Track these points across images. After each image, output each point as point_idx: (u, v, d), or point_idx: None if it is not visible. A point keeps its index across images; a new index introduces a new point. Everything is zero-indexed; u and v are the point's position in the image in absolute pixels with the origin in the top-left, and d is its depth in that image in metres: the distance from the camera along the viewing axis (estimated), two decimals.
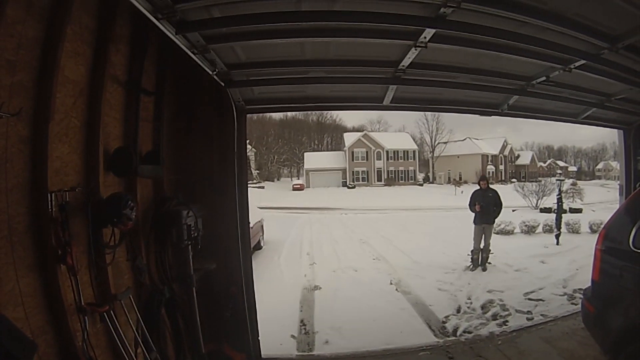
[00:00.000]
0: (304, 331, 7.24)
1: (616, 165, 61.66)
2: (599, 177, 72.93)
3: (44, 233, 3.01)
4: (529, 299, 8.33)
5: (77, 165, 3.42)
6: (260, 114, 73.94)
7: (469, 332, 6.90)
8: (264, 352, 5.78)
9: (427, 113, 73.73)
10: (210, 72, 4.73)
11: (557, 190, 17.84)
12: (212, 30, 3.96)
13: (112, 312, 3.53)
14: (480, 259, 11.54)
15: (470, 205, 11.77)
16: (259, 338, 5.76)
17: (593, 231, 16.20)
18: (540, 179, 45.86)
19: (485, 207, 11.39)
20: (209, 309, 5.31)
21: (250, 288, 5.71)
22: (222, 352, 5.27)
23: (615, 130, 8.28)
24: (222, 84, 5.15)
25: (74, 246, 3.11)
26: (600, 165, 78.96)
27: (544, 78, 5.60)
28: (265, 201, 33.09)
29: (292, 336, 6.95)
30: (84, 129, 3.51)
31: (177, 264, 4.83)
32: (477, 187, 12.38)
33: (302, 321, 7.72)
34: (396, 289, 9.93)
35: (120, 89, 4.07)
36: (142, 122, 4.32)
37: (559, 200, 16.16)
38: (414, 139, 76.59)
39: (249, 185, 5.92)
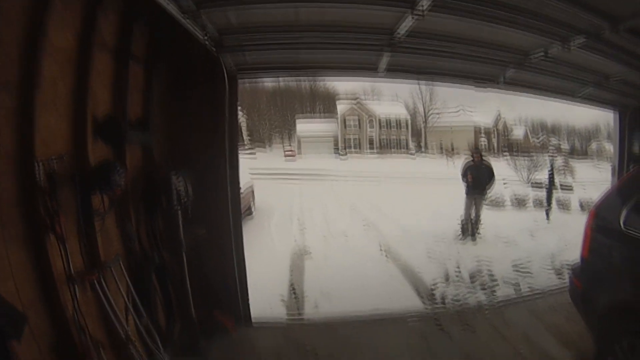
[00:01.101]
0: (293, 295, 7.36)
1: (609, 147, 61.76)
2: (591, 157, 73.00)
3: (33, 204, 2.98)
4: (517, 271, 8.43)
5: (65, 134, 3.38)
6: (253, 82, 73.22)
7: (457, 301, 7.02)
8: (253, 316, 5.87)
9: (421, 82, 73.22)
10: (202, 38, 4.67)
11: (548, 166, 17.92)
12: None
13: (102, 279, 3.54)
14: (470, 229, 11.65)
15: (462, 175, 11.81)
16: (249, 303, 5.85)
17: (583, 209, 16.30)
18: (532, 154, 45.86)
19: (477, 179, 11.43)
20: (199, 274, 5.37)
21: (240, 253, 5.77)
22: (212, 318, 5.34)
23: (611, 112, 8.32)
24: (214, 49, 5.08)
25: (63, 215, 3.10)
26: (592, 145, 78.95)
27: (542, 53, 5.55)
28: (256, 167, 32.93)
29: (282, 300, 7.07)
30: (72, 97, 3.46)
31: (167, 230, 4.87)
32: (469, 158, 12.41)
33: (291, 285, 7.84)
34: (386, 256, 10.10)
35: (109, 56, 4.00)
36: (131, 89, 4.27)
37: (551, 177, 16.27)
38: (406, 108, 75.98)
39: (240, 151, 5.90)
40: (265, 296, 6.72)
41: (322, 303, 6.86)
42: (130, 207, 4.31)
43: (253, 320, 5.86)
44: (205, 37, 4.69)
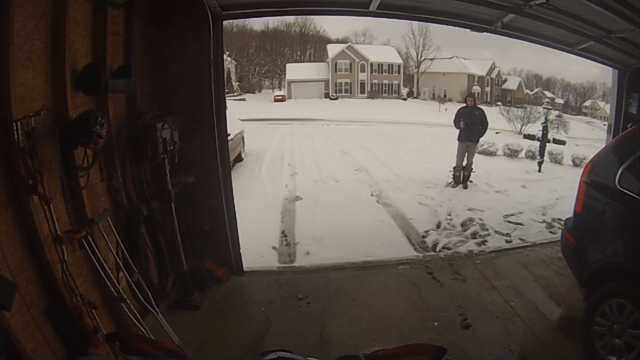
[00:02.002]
0: (285, 242, 7.39)
1: (604, 105, 61.43)
2: (585, 114, 72.66)
3: (13, 165, 2.86)
4: (509, 222, 8.47)
5: (43, 89, 3.20)
6: (241, 25, 71.44)
7: (448, 249, 7.08)
8: (245, 265, 5.89)
9: (414, 27, 71.85)
10: None
11: (542, 118, 17.79)
12: None
13: (90, 237, 3.45)
14: (462, 176, 11.61)
15: (455, 121, 11.64)
16: (240, 251, 5.84)
17: (575, 164, 16.26)
18: (526, 105, 45.70)
19: (471, 125, 11.27)
20: (189, 224, 5.32)
21: (230, 201, 5.69)
22: (203, 268, 5.35)
23: (607, 71, 8.12)
24: None
25: (45, 173, 2.97)
26: (587, 103, 78.48)
27: (544, 0, 5.34)
28: (246, 113, 32.62)
29: (274, 248, 7.09)
30: (49, 51, 3.25)
31: (155, 180, 4.78)
32: (462, 105, 12.23)
33: (283, 232, 7.85)
34: (377, 201, 10.12)
35: (87, 3, 3.74)
36: (111, 36, 4.03)
37: (544, 129, 16.08)
38: (399, 53, 74.99)
39: (229, 97, 5.73)
40: (257, 243, 6.77)
41: (313, 249, 6.89)
42: (115, 158, 4.18)
43: (245, 268, 5.87)
44: None
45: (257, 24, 77.00)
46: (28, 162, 2.89)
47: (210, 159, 5.42)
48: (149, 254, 4.64)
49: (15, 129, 2.81)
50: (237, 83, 68.08)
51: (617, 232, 4.14)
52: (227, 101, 5.53)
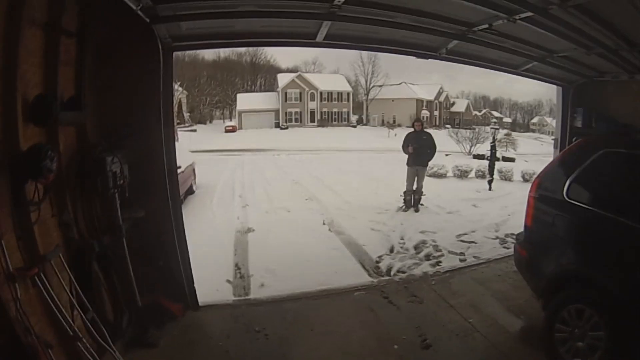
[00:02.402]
0: (239, 275, 7.29)
1: (551, 121, 64.10)
2: (533, 131, 75.60)
3: None
4: (462, 241, 8.68)
5: None
6: (192, 55, 71.27)
7: (403, 272, 7.16)
8: (200, 299, 5.76)
9: (363, 56, 73.59)
10: (134, 8, 4.41)
11: (491, 138, 18.42)
12: None
13: (42, 274, 3.32)
14: (412, 200, 11.82)
15: (403, 146, 11.89)
16: (194, 286, 5.72)
17: (525, 180, 16.92)
18: (474, 127, 47.24)
19: (419, 149, 11.55)
20: (141, 259, 5.18)
21: (181, 234, 5.59)
22: (158, 304, 5.20)
23: (552, 88, 8.58)
24: (147, 20, 4.81)
25: None
26: (535, 120, 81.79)
27: (486, 26, 5.58)
28: (197, 144, 32.33)
29: (228, 281, 6.99)
30: (0, 81, 3.16)
31: (105, 214, 4.64)
32: (411, 129, 12.51)
33: (236, 265, 7.76)
34: (329, 229, 10.16)
35: (40, 31, 3.67)
36: (63, 66, 3.97)
37: (493, 148, 16.70)
38: (348, 81, 76.36)
39: (181, 128, 5.71)
40: (211, 277, 6.63)
41: (268, 281, 6.83)
42: (66, 193, 4.06)
43: (200, 303, 5.74)
44: (139, 7, 4.43)
45: (208, 53, 77.03)
46: None
47: (161, 192, 5.32)
48: (102, 291, 4.48)
49: None
50: (188, 114, 67.56)
51: (569, 241, 4.39)
52: (179, 132, 5.52)
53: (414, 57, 6.96)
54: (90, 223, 4.43)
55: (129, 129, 4.95)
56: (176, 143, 5.56)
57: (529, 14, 4.89)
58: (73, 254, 4.09)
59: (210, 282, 6.42)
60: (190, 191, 14.54)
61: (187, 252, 5.67)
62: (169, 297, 5.34)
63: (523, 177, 17.54)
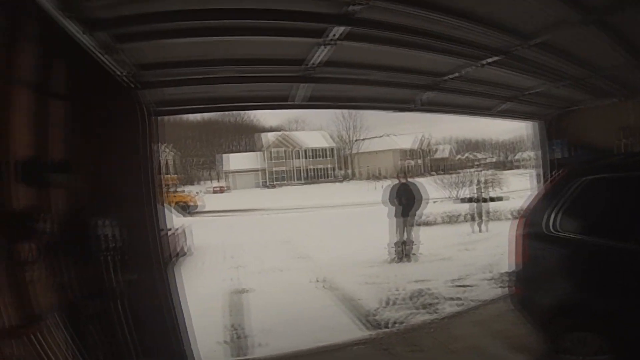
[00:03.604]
0: (235, 336, 7.11)
1: (533, 156, 64.88)
2: (518, 167, 76.53)
3: None
4: (457, 286, 8.62)
5: None
6: (178, 116, 72.20)
7: (401, 323, 7.03)
8: None
9: (344, 112, 75.00)
10: (120, 73, 4.51)
11: (475, 180, 18.61)
12: (121, 29, 3.78)
13: (38, 334, 3.27)
14: (403, 250, 11.76)
15: (390, 199, 11.94)
16: (192, 348, 5.58)
17: (515, 217, 16.83)
18: (459, 171, 47.72)
19: (405, 201, 11.61)
20: (136, 322, 5.07)
21: (176, 297, 5.50)
22: None
23: (530, 124, 8.76)
24: (132, 85, 4.95)
25: None
26: (518, 156, 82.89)
27: (456, 74, 5.76)
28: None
29: (225, 342, 6.85)
30: None
31: (99, 276, 4.59)
32: (395, 181, 12.60)
33: (232, 326, 7.58)
34: (323, 286, 10.01)
35: (30, 93, 3.76)
36: (52, 128, 4.04)
37: (479, 190, 16.81)
38: (332, 137, 77.43)
39: (173, 191, 5.73)
40: (207, 338, 6.45)
41: (264, 340, 6.67)
42: (60, 254, 4.03)
43: None
44: (124, 73, 4.53)
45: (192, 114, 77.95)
46: None
47: (153, 254, 5.29)
48: (99, 354, 4.39)
49: None
50: (176, 176, 67.77)
51: (562, 273, 4.36)
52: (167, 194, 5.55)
53: None
54: (84, 284, 4.37)
55: (118, 192, 4.97)
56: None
57: (495, 57, 5.07)
58: (68, 314, 4.02)
59: (207, 343, 6.27)
60: (182, 253, 14.36)
61: (183, 314, 5.57)
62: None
63: (512, 214, 17.55)
